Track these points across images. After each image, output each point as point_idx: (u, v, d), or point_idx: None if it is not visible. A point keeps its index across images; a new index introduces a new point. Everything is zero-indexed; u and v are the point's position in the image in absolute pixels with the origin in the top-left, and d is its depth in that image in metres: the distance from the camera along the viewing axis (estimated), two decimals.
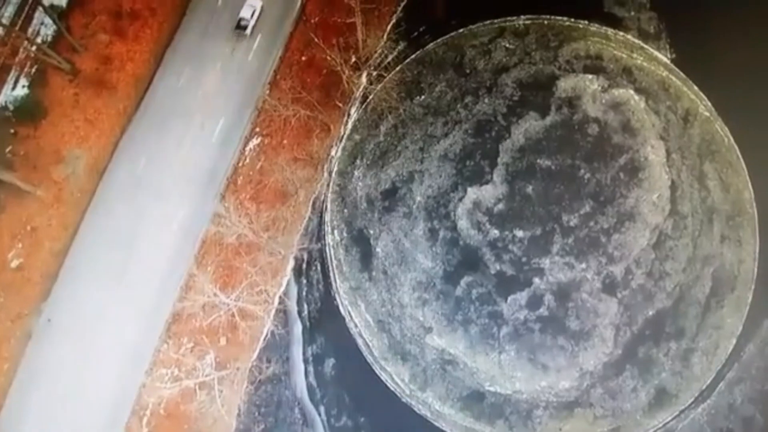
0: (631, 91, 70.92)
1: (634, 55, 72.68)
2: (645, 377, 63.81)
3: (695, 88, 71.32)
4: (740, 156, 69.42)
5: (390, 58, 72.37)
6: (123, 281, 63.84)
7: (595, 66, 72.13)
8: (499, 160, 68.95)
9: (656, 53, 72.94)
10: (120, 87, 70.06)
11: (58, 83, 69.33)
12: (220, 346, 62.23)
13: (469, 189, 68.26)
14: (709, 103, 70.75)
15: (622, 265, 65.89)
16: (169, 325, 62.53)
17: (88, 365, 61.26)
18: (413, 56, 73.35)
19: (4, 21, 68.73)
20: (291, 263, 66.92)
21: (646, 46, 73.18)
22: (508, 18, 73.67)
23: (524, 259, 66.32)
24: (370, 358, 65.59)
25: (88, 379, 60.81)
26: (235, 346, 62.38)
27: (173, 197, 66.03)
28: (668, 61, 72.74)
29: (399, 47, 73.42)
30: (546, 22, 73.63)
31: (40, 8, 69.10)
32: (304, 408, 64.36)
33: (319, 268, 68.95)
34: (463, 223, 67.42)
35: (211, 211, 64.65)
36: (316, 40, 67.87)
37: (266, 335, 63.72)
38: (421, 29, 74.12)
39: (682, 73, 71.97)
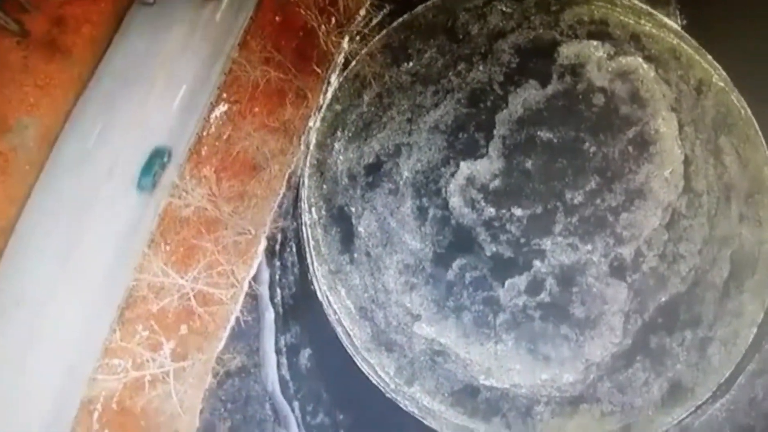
0: (640, 59, 68.35)
1: (642, 21, 70.40)
2: (657, 369, 60.69)
3: (708, 56, 69.04)
4: (758, 129, 66.89)
5: (374, 21, 70.05)
6: (72, 262, 59.86)
7: (600, 32, 69.54)
8: (495, 132, 66.01)
9: (666, 19, 70.62)
10: (75, 51, 66.47)
11: (5, 45, 65.53)
12: (181, 335, 58.62)
13: (462, 163, 65.20)
14: (724, 73, 68.43)
15: (632, 246, 62.84)
16: (122, 310, 58.62)
17: (33, 353, 57.16)
18: (400, 19, 70.58)
19: None
20: (263, 243, 63.55)
21: (654, 11, 70.97)
22: None
23: (523, 240, 63.18)
24: (350, 349, 62.13)
25: (32, 369, 56.72)
26: (197, 335, 58.83)
27: (129, 171, 62.24)
28: (679, 28, 70.51)
29: (384, 10, 70.80)
30: None
31: None
32: (276, 404, 60.70)
33: (294, 249, 65.66)
34: (455, 201, 64.29)
35: (170, 186, 60.96)
36: None
37: (233, 323, 60.20)
38: None
39: (693, 41, 69.61)
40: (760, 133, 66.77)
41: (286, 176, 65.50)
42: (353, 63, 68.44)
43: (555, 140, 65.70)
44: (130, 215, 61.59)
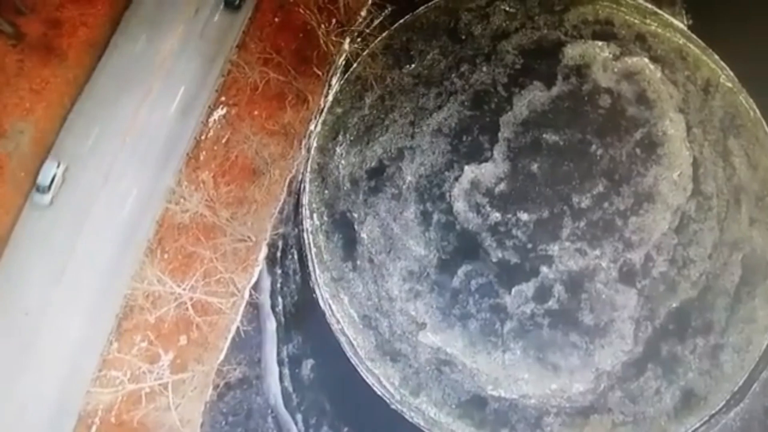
0: (646, 60, 65.65)
1: (648, 21, 67.66)
2: (669, 378, 57.83)
3: (715, 56, 66.20)
4: None
5: (376, 22, 67.07)
6: (68, 272, 56.99)
7: (605, 32, 66.87)
8: (499, 134, 63.35)
9: (672, 19, 67.90)
10: (71, 54, 63.71)
11: (0, 48, 62.71)
12: (180, 346, 55.70)
13: (466, 167, 62.51)
14: (732, 73, 65.65)
15: (641, 251, 60.08)
16: (119, 320, 55.70)
17: (30, 366, 54.42)
18: (402, 21, 67.81)
19: None
20: (264, 251, 60.65)
21: (660, 11, 68.15)
22: None
23: (530, 246, 60.38)
24: (354, 359, 59.29)
25: (29, 382, 53.95)
26: (197, 346, 55.93)
27: (126, 176, 59.65)
28: (685, 28, 67.76)
29: (386, 11, 67.53)
30: None
31: None
32: (278, 416, 57.90)
33: (296, 256, 62.75)
34: (459, 206, 61.58)
35: (167, 191, 58.31)
36: None
37: (234, 333, 57.34)
38: None
39: (700, 41, 66.82)
40: None
41: (287, 181, 62.57)
42: (354, 65, 65.59)
43: (561, 143, 62.92)
44: (127, 223, 58.49)
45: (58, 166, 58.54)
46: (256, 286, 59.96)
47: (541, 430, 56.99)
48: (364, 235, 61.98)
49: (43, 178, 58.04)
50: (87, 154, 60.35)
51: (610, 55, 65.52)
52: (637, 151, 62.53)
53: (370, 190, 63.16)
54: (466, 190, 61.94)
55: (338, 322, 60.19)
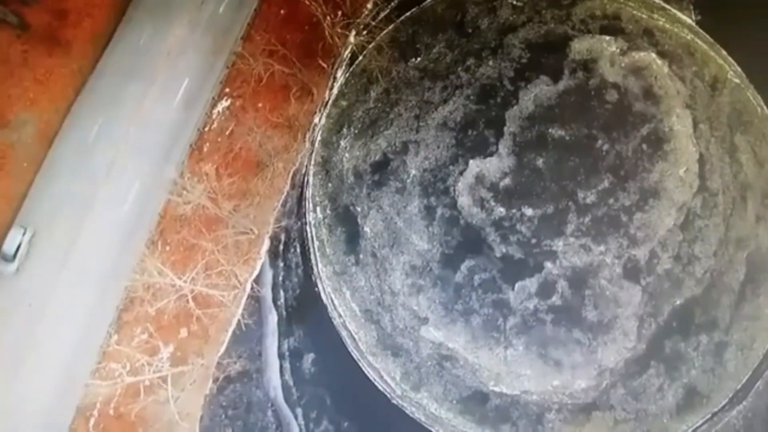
0: (653, 55, 64.43)
1: (655, 16, 66.39)
2: (672, 375, 57.02)
3: (723, 52, 64.96)
4: None
5: (382, 15, 66.14)
6: (71, 263, 56.39)
7: (612, 27, 65.72)
8: (505, 129, 62.30)
9: (679, 14, 66.64)
10: (75, 45, 63.19)
11: (5, 39, 62.24)
12: (180, 338, 55.24)
13: (471, 161, 61.57)
14: (739, 69, 64.38)
15: (646, 247, 59.12)
16: (120, 313, 55.07)
17: (29, 357, 53.99)
18: (408, 13, 66.82)
19: None
20: (266, 244, 60.10)
21: (667, 6, 66.90)
22: None
23: (534, 241, 59.46)
24: (355, 353, 58.69)
25: (28, 373, 53.57)
26: (197, 339, 55.49)
27: (129, 168, 58.87)
28: (693, 23, 66.47)
29: (392, 3, 66.90)
30: None
31: None
32: (278, 410, 57.36)
33: (298, 249, 62.11)
34: (464, 200, 60.67)
35: (170, 183, 57.65)
36: None
37: (235, 326, 56.81)
38: None
39: (708, 37, 65.59)
40: None
41: (290, 174, 62.02)
42: (360, 57, 64.63)
43: (567, 138, 61.84)
44: (130, 214, 57.94)
45: (24, 234, 56.15)
46: (257, 279, 59.40)
47: (542, 427, 56.25)
48: (367, 229, 61.26)
49: (9, 248, 55.31)
50: (91, 144, 59.65)
51: (618, 50, 64.35)
52: (644, 146, 61.47)
53: (373, 183, 62.41)
54: (470, 184, 61.03)
55: (340, 316, 59.58)
